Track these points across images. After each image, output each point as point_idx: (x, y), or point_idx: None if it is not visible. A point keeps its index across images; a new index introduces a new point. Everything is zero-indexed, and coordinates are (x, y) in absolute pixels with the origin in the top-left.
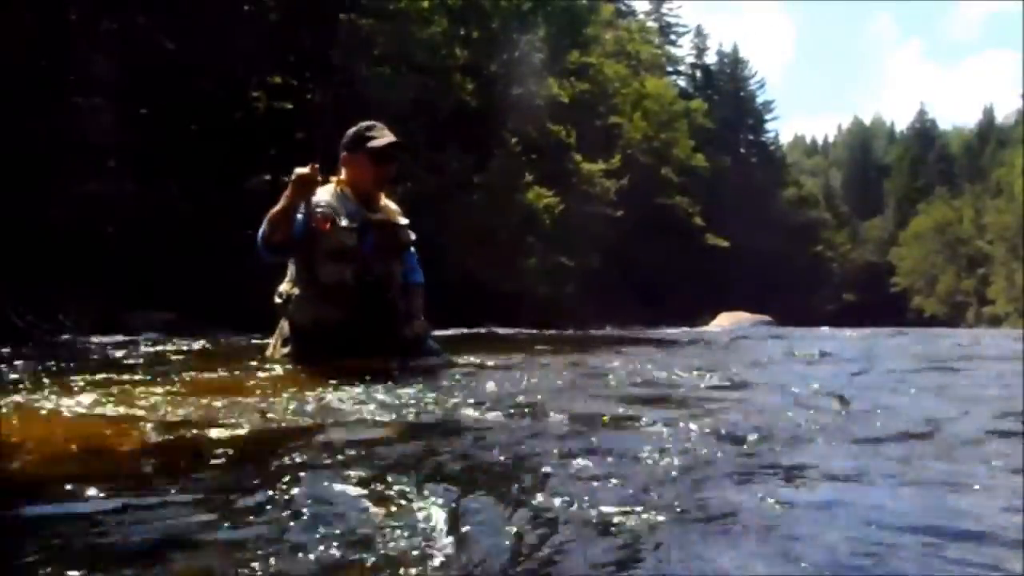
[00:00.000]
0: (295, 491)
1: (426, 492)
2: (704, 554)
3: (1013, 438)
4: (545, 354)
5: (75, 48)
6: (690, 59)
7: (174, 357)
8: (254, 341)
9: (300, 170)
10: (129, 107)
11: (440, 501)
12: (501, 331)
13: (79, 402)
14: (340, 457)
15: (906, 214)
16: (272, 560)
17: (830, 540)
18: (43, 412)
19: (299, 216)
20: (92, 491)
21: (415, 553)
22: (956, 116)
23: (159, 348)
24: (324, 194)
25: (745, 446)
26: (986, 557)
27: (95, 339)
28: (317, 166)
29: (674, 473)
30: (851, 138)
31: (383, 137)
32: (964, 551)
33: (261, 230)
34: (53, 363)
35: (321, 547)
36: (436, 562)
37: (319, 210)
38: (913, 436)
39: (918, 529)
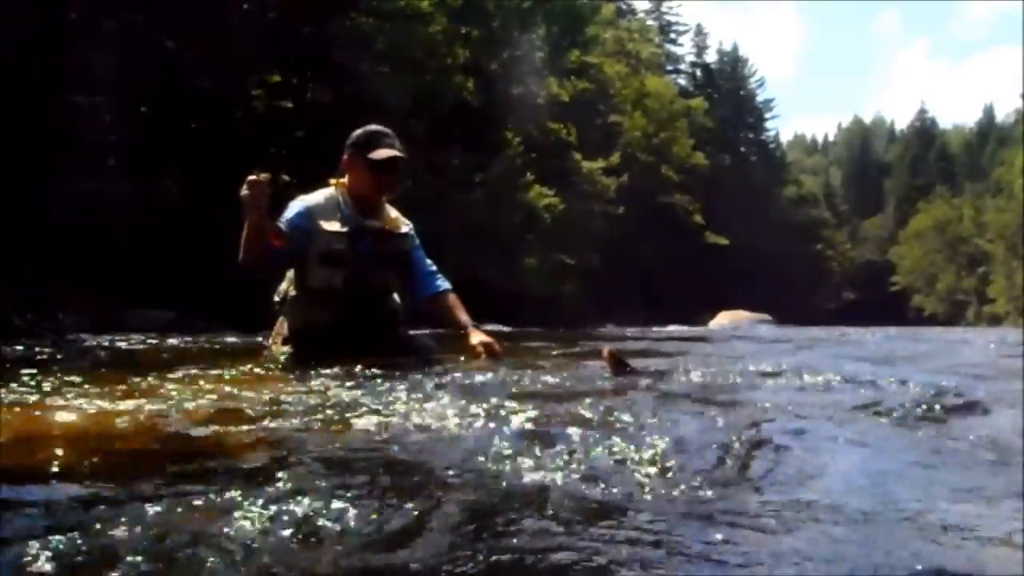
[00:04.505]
0: (285, 491)
1: (412, 492)
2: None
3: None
4: (543, 352)
5: (75, 47)
6: (690, 58)
7: (171, 356)
8: (251, 340)
9: (243, 192)
10: (129, 106)
11: (423, 503)
12: (500, 330)
13: (75, 400)
14: (326, 458)
15: (906, 213)
16: (267, 560)
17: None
18: (39, 410)
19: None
20: (87, 490)
21: (404, 557)
22: (958, 115)
23: (158, 347)
24: (318, 196)
25: (742, 447)
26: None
27: (95, 338)
28: (256, 177)
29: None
30: (851, 136)
31: (384, 148)
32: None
33: (240, 254)
34: (52, 362)
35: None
36: (419, 565)
37: (279, 224)
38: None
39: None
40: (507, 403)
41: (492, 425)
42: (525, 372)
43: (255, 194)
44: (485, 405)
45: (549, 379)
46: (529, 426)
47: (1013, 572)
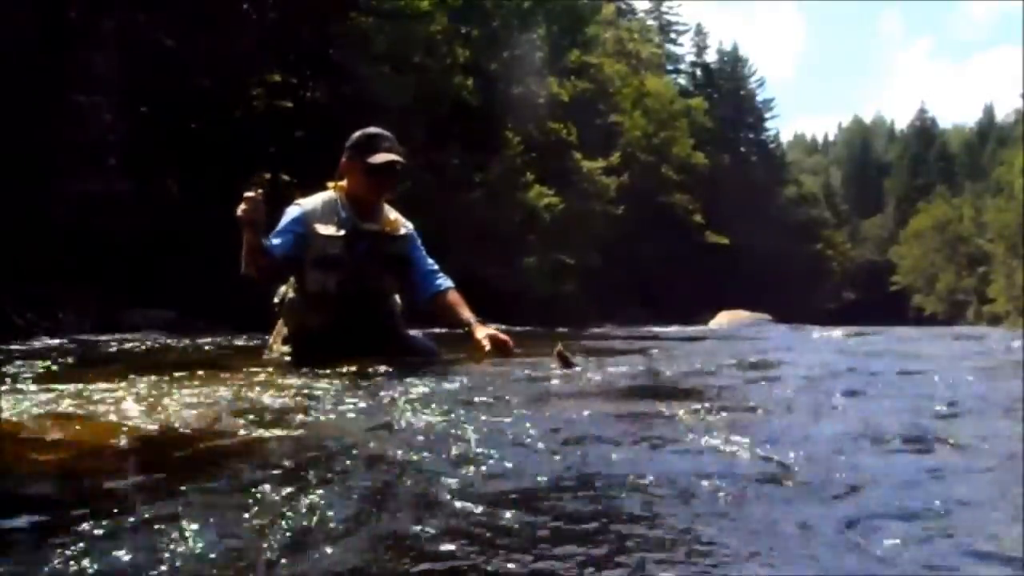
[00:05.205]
0: (284, 489)
1: (409, 492)
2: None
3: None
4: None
5: (75, 47)
6: (690, 57)
7: (171, 356)
8: (251, 340)
9: (239, 209)
10: (129, 105)
11: (418, 501)
12: (501, 329)
13: (73, 400)
14: (319, 459)
15: (906, 212)
16: (262, 559)
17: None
18: (38, 409)
19: (275, 241)
20: (83, 489)
21: (398, 553)
22: (958, 115)
23: (157, 347)
24: (316, 200)
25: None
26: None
27: (94, 337)
28: (252, 194)
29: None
30: (851, 136)
31: (383, 152)
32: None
33: (241, 266)
34: (51, 361)
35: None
36: (414, 565)
37: (270, 241)
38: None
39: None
40: (495, 401)
41: (474, 425)
42: (516, 369)
43: (249, 210)
44: (468, 405)
45: (533, 375)
46: (521, 423)
47: (1013, 572)
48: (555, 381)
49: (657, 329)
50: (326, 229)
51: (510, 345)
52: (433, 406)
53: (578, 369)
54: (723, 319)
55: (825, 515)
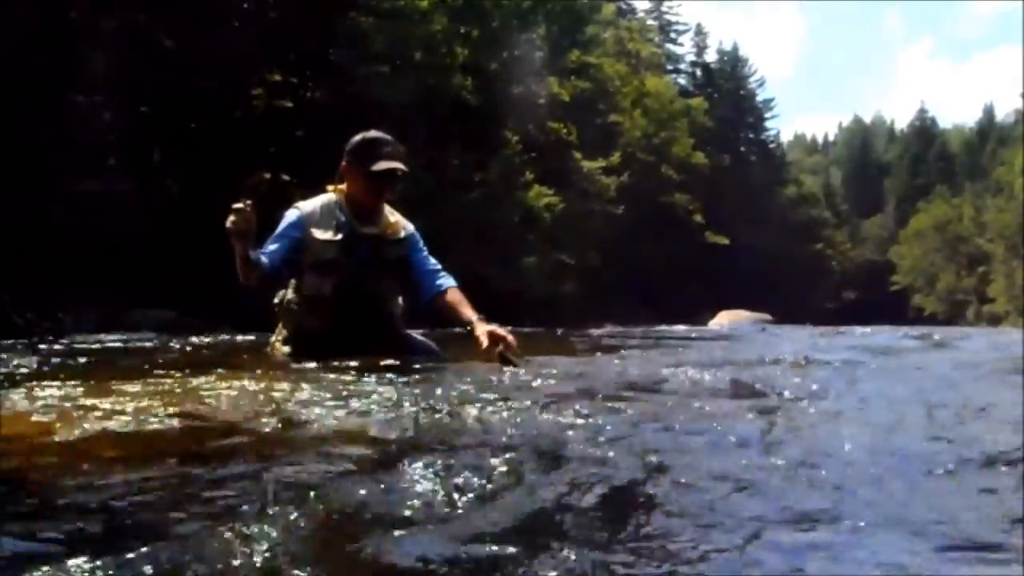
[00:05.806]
0: (285, 485)
1: (415, 489)
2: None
3: None
4: (541, 352)
5: (75, 47)
6: (690, 57)
7: (170, 355)
8: (251, 339)
9: (228, 221)
10: (129, 106)
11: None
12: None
13: (73, 399)
14: (327, 453)
15: (906, 212)
16: (264, 556)
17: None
18: (38, 409)
19: (272, 246)
20: (82, 488)
21: (408, 549)
22: (958, 114)
23: (156, 346)
24: (315, 203)
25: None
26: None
27: (94, 337)
28: (240, 205)
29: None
30: (851, 136)
31: (384, 159)
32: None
33: (239, 275)
34: (50, 361)
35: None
36: (424, 560)
37: (262, 253)
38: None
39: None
40: (495, 400)
41: (481, 422)
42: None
43: (238, 222)
44: (473, 403)
45: (528, 373)
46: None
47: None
48: (552, 379)
49: (656, 329)
50: (323, 233)
51: (510, 341)
52: (436, 403)
53: (521, 369)
54: (723, 319)
55: (821, 512)
